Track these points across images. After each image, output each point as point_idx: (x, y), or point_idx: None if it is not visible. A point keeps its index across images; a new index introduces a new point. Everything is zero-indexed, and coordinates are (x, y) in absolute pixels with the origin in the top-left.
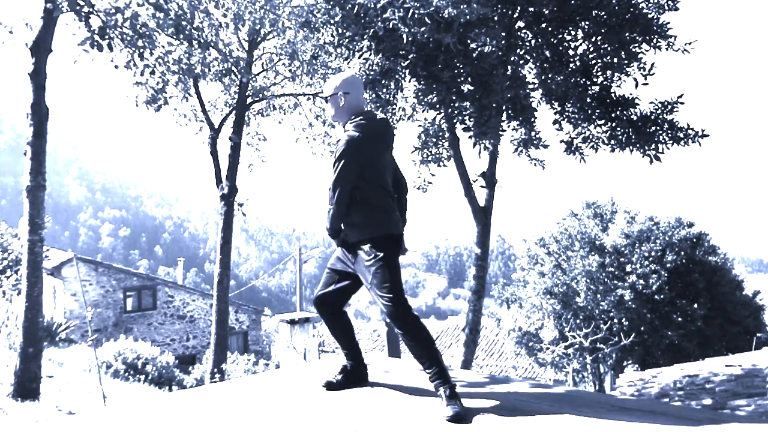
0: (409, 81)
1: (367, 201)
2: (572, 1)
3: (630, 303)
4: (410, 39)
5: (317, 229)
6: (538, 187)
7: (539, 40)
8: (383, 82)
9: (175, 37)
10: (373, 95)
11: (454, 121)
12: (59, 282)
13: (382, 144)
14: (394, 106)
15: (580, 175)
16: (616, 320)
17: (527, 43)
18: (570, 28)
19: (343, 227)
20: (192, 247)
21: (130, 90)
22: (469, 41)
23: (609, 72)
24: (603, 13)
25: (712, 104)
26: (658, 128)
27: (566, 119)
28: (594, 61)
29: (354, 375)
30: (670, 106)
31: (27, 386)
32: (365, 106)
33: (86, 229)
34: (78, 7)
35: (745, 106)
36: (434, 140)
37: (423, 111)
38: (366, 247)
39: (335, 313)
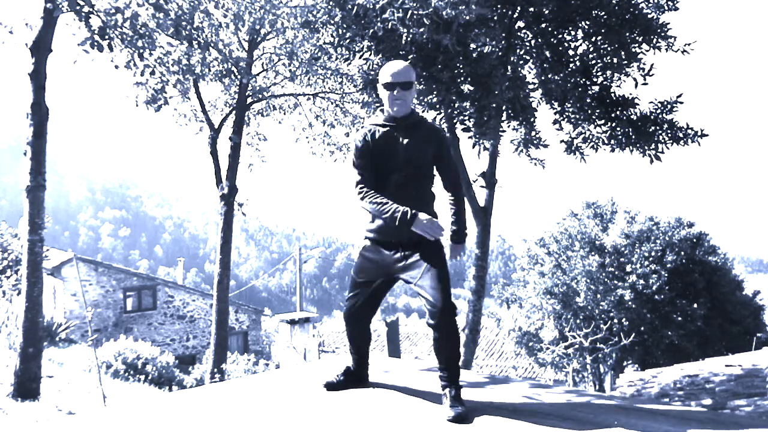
0: None
1: (433, 198)
2: (572, 1)
3: (630, 303)
4: (409, 39)
5: (317, 229)
6: (538, 187)
7: (539, 40)
8: None
9: (175, 37)
10: (374, 95)
11: (454, 121)
12: (59, 282)
13: None
14: None
15: (580, 175)
16: (616, 320)
17: (527, 43)
18: (570, 28)
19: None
20: (192, 247)
21: (130, 90)
22: (468, 42)
23: (609, 72)
24: (603, 13)
25: (712, 104)
26: (657, 128)
27: (566, 119)
28: (594, 61)
29: (354, 376)
30: (669, 106)
31: (27, 386)
32: None
33: (86, 229)
34: (78, 7)
35: (745, 106)
36: None
37: (423, 111)
38: (434, 241)
39: (363, 325)
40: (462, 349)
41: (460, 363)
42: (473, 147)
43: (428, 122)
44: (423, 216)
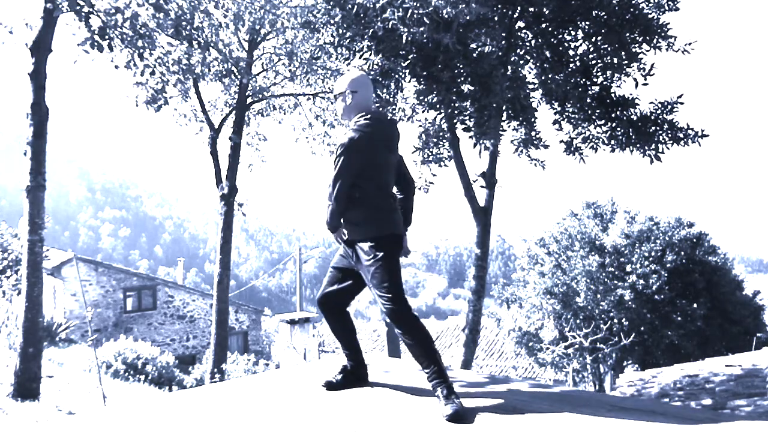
0: (409, 81)
1: (368, 200)
2: (572, 1)
3: (630, 303)
4: (409, 39)
5: (317, 229)
6: (538, 187)
7: (539, 40)
8: (383, 82)
9: (175, 37)
10: (374, 95)
11: (455, 121)
12: (59, 282)
13: (384, 144)
14: (394, 106)
15: (580, 175)
16: (616, 320)
17: (527, 43)
18: (570, 29)
19: (344, 225)
20: (192, 247)
21: (130, 90)
22: (468, 41)
23: (609, 72)
24: (603, 13)
25: (712, 104)
26: (657, 128)
27: (566, 119)
28: (594, 62)
29: (354, 375)
30: (669, 107)
31: (27, 386)
32: (373, 105)
33: (86, 229)
34: (78, 7)
35: (745, 106)
36: (435, 140)
37: (423, 111)
38: (366, 246)
39: (338, 313)
40: (462, 349)
41: (439, 357)
42: (474, 147)
43: (354, 126)
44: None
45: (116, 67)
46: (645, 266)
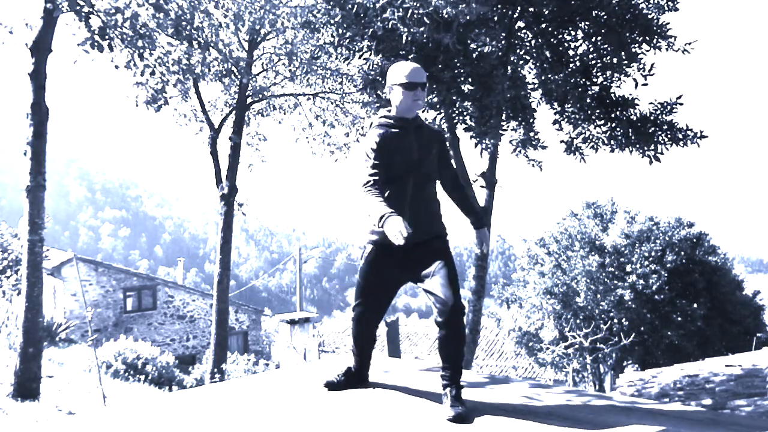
0: None
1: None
2: (572, 2)
3: (630, 303)
4: (409, 39)
5: (317, 229)
6: (538, 187)
7: (539, 40)
8: (383, 82)
9: (175, 37)
10: (374, 95)
11: (455, 121)
12: (59, 282)
13: None
14: None
15: (580, 175)
16: (616, 320)
17: (527, 43)
18: (570, 29)
19: (420, 223)
20: (192, 247)
21: (130, 90)
22: (468, 41)
23: (609, 72)
24: (603, 13)
25: (712, 104)
26: (657, 129)
27: (566, 119)
28: (594, 62)
29: (355, 376)
30: (669, 107)
31: (27, 386)
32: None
33: (86, 229)
34: (78, 7)
35: (745, 106)
36: None
37: (423, 111)
38: (443, 241)
39: (373, 330)
40: None
41: (463, 363)
42: (476, 146)
43: (427, 123)
44: (398, 218)
45: (116, 67)
46: (645, 266)
